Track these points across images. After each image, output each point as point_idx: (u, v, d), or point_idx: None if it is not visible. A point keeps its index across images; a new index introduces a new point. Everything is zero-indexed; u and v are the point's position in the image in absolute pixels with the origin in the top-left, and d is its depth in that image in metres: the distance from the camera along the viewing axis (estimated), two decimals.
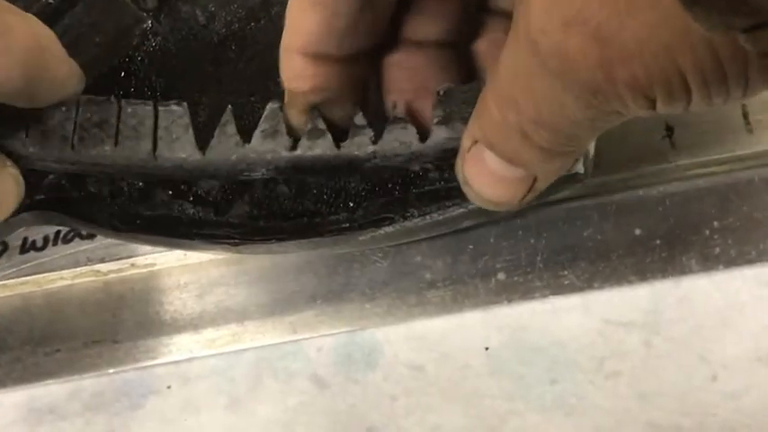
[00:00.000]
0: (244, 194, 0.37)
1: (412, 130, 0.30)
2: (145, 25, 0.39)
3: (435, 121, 0.30)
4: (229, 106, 0.32)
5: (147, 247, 0.39)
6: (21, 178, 0.32)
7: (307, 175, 0.32)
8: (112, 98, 0.32)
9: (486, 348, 0.37)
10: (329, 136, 0.31)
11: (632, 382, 0.36)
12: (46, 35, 0.30)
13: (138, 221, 0.36)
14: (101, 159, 0.32)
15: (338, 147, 0.31)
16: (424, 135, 0.31)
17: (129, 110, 0.32)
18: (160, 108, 0.32)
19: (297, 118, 0.31)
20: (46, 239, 0.40)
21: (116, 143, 0.32)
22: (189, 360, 0.39)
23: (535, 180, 0.27)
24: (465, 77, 0.32)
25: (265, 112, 0.32)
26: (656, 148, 0.37)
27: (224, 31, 0.40)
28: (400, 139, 0.31)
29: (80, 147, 0.32)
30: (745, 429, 0.34)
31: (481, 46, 0.31)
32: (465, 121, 0.28)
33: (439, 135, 0.30)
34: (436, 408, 0.37)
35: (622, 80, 0.20)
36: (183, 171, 0.32)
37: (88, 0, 0.38)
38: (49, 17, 0.38)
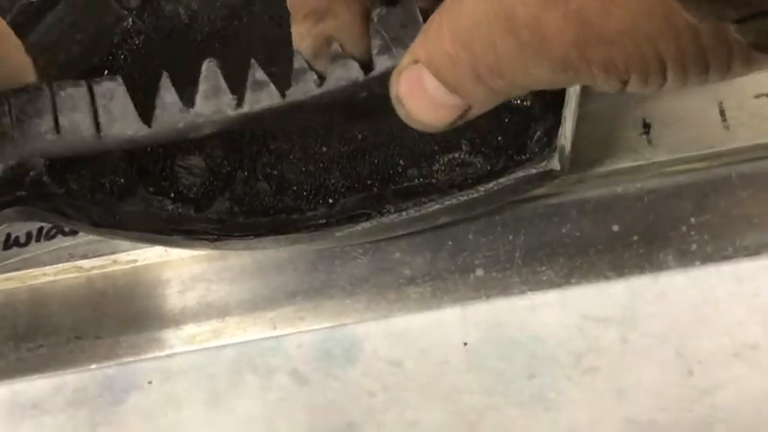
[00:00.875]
0: (225, 191, 0.38)
1: (354, 64, 0.30)
2: (125, 23, 0.39)
3: (375, 51, 0.29)
4: (165, 73, 0.31)
5: (129, 244, 0.39)
6: None
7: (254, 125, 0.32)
8: (43, 85, 0.31)
9: (465, 344, 0.37)
10: (313, 74, 0.30)
11: (609, 377, 0.36)
12: (1, 26, 0.29)
13: (117, 217, 0.36)
14: (46, 149, 0.31)
15: (283, 95, 0.30)
16: (366, 66, 0.30)
17: (63, 93, 0.31)
18: (94, 86, 0.31)
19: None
20: (29, 236, 0.40)
21: (57, 130, 0.31)
22: (170, 356, 0.39)
23: (469, 108, 0.26)
24: None
25: (203, 72, 0.31)
26: (633, 144, 0.37)
27: (207, 29, 0.40)
28: (345, 77, 0.30)
29: (22, 141, 0.30)
30: (720, 424, 0.35)
31: None
32: (406, 46, 0.27)
33: (382, 65, 0.29)
34: (415, 403, 0.37)
35: (597, 62, 0.20)
36: (132, 146, 0.31)
37: None
38: (32, 16, 0.38)
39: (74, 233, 0.40)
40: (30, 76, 0.31)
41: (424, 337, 0.38)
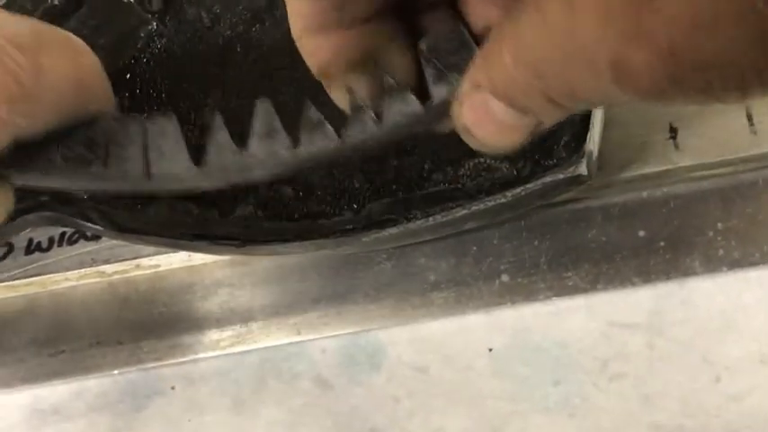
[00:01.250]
0: (248, 196, 0.37)
1: (411, 96, 0.28)
2: (149, 27, 0.39)
3: (430, 80, 0.28)
4: (218, 113, 0.30)
5: (152, 249, 0.39)
6: (10, 191, 0.29)
7: (311, 169, 0.30)
8: (99, 116, 0.29)
9: (490, 350, 0.37)
10: (370, 112, 0.28)
11: (636, 383, 0.36)
12: (89, 69, 0.27)
13: (142, 222, 0.36)
14: (88, 183, 0.29)
15: (340, 135, 0.28)
16: (423, 97, 0.28)
17: (117, 125, 0.29)
18: (147, 123, 0.29)
19: (341, 97, 0.29)
20: (51, 241, 0.40)
21: (105, 164, 0.29)
22: (193, 361, 0.39)
23: (541, 124, 0.25)
24: None
25: (257, 112, 0.29)
26: (660, 149, 0.37)
27: (229, 33, 0.40)
28: (403, 111, 0.28)
29: (66, 167, 0.28)
30: (747, 431, 0.34)
31: None
32: (461, 69, 0.26)
33: (439, 94, 0.27)
34: (439, 409, 0.37)
35: (694, 89, 0.19)
36: (179, 187, 0.30)
37: (93, 2, 0.38)
38: (55, 19, 0.38)
39: (96, 238, 0.40)
40: (111, 105, 0.29)
41: (449, 343, 0.38)
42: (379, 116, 0.28)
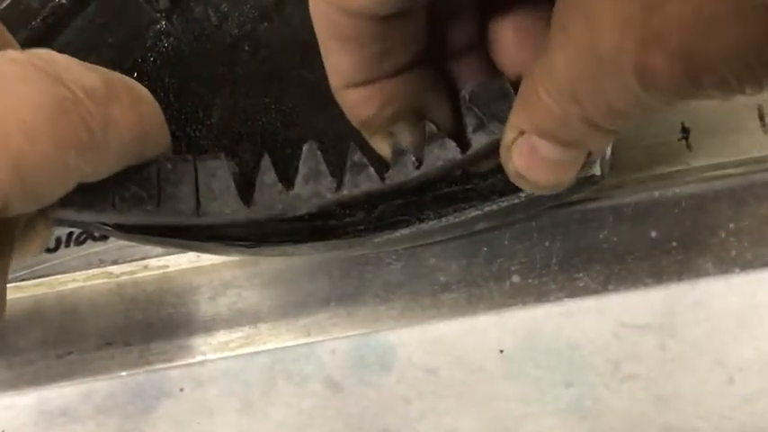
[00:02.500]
0: None
1: (451, 143, 0.29)
2: (158, 26, 0.38)
3: (471, 128, 0.29)
4: (266, 154, 0.31)
5: (160, 250, 0.39)
6: (50, 225, 0.30)
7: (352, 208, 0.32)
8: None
9: (501, 351, 0.37)
10: (411, 157, 0.29)
11: (648, 385, 0.36)
12: (150, 117, 0.28)
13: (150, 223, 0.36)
14: (142, 219, 0.30)
15: (383, 179, 0.30)
16: (463, 144, 0.29)
17: (170, 166, 0.30)
18: (198, 163, 0.30)
19: (383, 146, 0.30)
20: (58, 241, 0.40)
21: (159, 202, 0.30)
22: (202, 363, 0.39)
23: (590, 154, 0.26)
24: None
25: (303, 154, 0.30)
26: (672, 149, 0.36)
27: (237, 31, 0.40)
28: (443, 157, 0.29)
29: (121, 206, 0.29)
30: None
31: (507, 35, 0.29)
32: (501, 119, 0.27)
33: (479, 141, 0.29)
34: (450, 411, 0.37)
35: (712, 85, 0.20)
36: (228, 226, 0.31)
37: (101, 0, 0.38)
38: (62, 17, 0.37)
39: (104, 238, 0.39)
40: (168, 147, 0.30)
41: (460, 344, 0.38)
42: (419, 161, 0.30)
